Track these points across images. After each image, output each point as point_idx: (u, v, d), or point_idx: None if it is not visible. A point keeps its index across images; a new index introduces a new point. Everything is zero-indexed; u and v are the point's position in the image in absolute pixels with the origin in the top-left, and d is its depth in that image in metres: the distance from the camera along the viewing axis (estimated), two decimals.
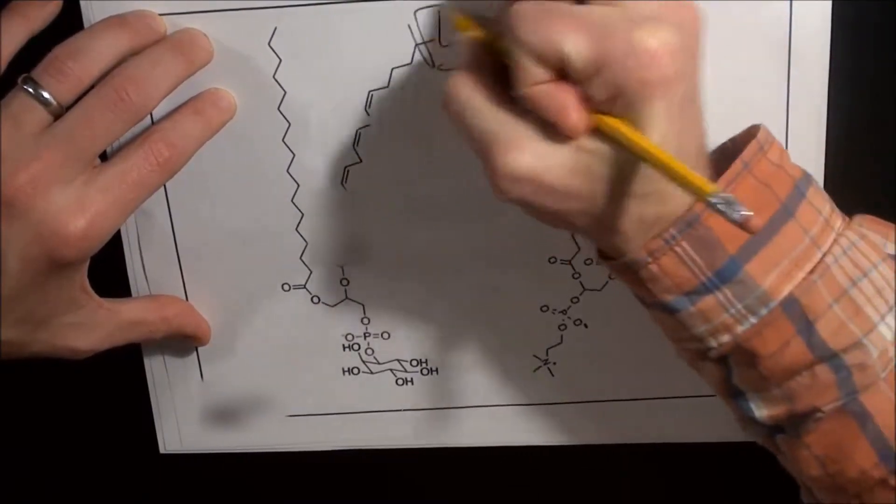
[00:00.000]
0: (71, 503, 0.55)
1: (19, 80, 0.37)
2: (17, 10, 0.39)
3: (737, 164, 0.34)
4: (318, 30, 0.41)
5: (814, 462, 0.36)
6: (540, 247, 0.45)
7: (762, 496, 0.52)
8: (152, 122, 0.41)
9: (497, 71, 0.34)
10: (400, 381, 0.49)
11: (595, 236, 0.36)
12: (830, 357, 0.34)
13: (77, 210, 0.37)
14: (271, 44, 0.42)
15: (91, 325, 0.42)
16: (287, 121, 0.43)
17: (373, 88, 0.42)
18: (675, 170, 0.30)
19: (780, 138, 0.41)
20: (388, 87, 0.42)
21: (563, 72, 0.32)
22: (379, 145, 0.43)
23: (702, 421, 0.48)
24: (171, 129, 0.40)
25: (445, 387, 0.49)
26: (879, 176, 0.45)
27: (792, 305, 0.34)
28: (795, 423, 0.36)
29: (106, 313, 0.43)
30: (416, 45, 0.41)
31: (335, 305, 0.47)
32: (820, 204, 0.35)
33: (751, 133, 0.36)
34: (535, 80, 0.32)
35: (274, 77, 0.42)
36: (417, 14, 0.41)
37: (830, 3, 0.40)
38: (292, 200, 0.45)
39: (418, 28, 0.41)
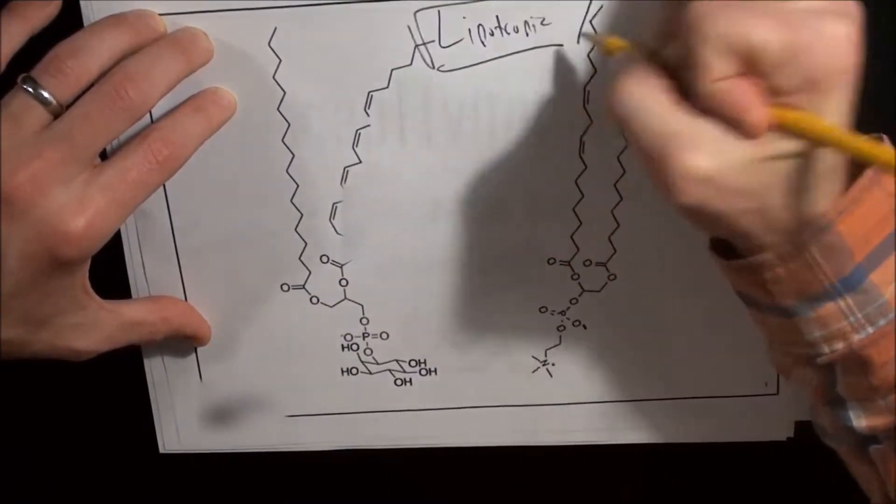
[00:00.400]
0: (71, 503, 0.55)
1: (19, 80, 0.37)
2: (16, 9, 0.39)
3: (868, 174, 0.33)
4: (318, 30, 0.41)
5: None
6: (539, 248, 0.45)
7: (762, 496, 0.52)
8: (151, 121, 0.41)
9: (661, 80, 0.33)
10: (398, 382, 0.49)
11: (752, 236, 0.34)
12: None
13: (77, 208, 0.37)
14: (271, 44, 0.42)
15: (92, 326, 0.42)
16: (287, 121, 0.43)
17: (373, 89, 0.42)
18: (876, 155, 0.30)
19: None
20: (387, 87, 0.42)
21: (745, 67, 0.31)
22: (379, 145, 0.43)
23: (701, 421, 0.48)
24: (170, 128, 0.39)
25: (444, 387, 0.49)
26: None
27: None
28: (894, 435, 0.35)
29: (107, 314, 0.43)
30: (416, 46, 0.41)
31: (334, 306, 0.47)
32: None
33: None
34: (718, 76, 0.31)
35: (274, 77, 0.42)
36: (417, 15, 0.41)
37: None
38: (292, 200, 0.45)
39: (418, 29, 0.41)
